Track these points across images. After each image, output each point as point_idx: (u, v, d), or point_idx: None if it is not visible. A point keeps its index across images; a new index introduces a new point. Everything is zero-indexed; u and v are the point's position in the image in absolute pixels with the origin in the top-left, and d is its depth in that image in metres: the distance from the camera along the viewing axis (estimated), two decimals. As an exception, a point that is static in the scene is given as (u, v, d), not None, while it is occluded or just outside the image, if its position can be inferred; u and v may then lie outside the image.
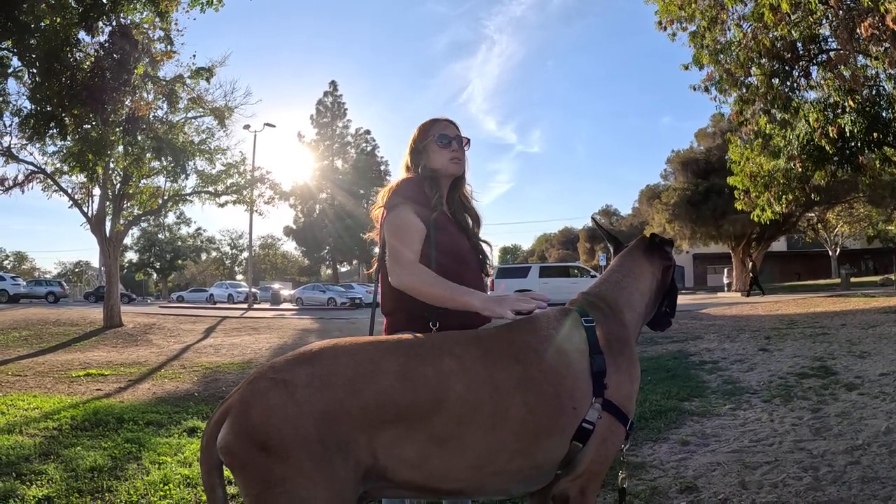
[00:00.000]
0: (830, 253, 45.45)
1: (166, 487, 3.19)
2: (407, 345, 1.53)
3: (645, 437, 4.09)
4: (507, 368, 1.52)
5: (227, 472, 1.41)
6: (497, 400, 1.47)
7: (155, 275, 62.80)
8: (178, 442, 4.19)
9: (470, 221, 2.08)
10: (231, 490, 2.62)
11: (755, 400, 5.08)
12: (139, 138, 11.17)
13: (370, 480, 1.40)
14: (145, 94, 11.29)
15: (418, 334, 1.64)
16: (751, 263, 26.44)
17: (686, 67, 17.36)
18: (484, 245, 2.08)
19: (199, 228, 60.10)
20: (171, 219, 42.26)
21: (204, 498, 3.01)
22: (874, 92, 14.91)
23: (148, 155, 13.45)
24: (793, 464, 3.35)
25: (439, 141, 1.99)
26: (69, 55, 8.45)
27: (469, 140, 2.08)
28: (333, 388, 1.37)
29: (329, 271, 53.62)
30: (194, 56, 18.76)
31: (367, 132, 50.16)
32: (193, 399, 6.00)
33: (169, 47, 10.49)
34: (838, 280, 29.22)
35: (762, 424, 4.28)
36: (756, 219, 18.41)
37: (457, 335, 1.62)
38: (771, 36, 14.85)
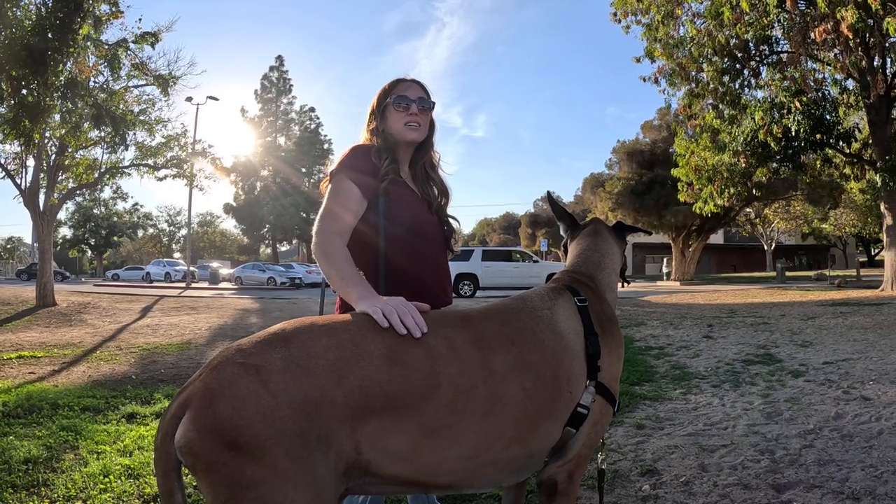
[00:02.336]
0: (766, 247, 47.51)
1: (106, 479, 2.97)
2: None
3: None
4: (503, 351, 1.40)
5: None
6: (493, 384, 1.34)
7: (90, 252, 60.29)
8: (116, 429, 3.94)
9: (436, 192, 1.94)
10: (188, 481, 2.44)
11: (704, 385, 5.18)
12: (78, 105, 10.51)
13: (352, 476, 1.23)
14: (87, 58, 10.64)
15: None
16: (623, 259, 27.46)
17: (638, 60, 17.71)
18: (452, 221, 1.96)
19: (137, 204, 58.36)
20: (107, 193, 40.64)
21: (148, 491, 2.82)
22: (820, 95, 15.53)
23: (86, 124, 12.70)
24: (749, 447, 3.41)
25: (397, 103, 1.85)
26: (9, 12, 7.84)
27: (434, 103, 1.93)
28: (314, 375, 1.18)
29: (269, 250, 52.78)
30: (140, 20, 17.87)
31: (312, 109, 50.02)
32: (131, 382, 5.71)
33: (114, 8, 9.88)
34: (774, 273, 30.58)
35: (714, 409, 4.35)
36: (698, 211, 19.01)
37: (441, 314, 1.48)
38: (725, 34, 15.24)
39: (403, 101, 1.85)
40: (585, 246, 1.87)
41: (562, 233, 2.04)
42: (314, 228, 1.67)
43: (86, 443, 3.60)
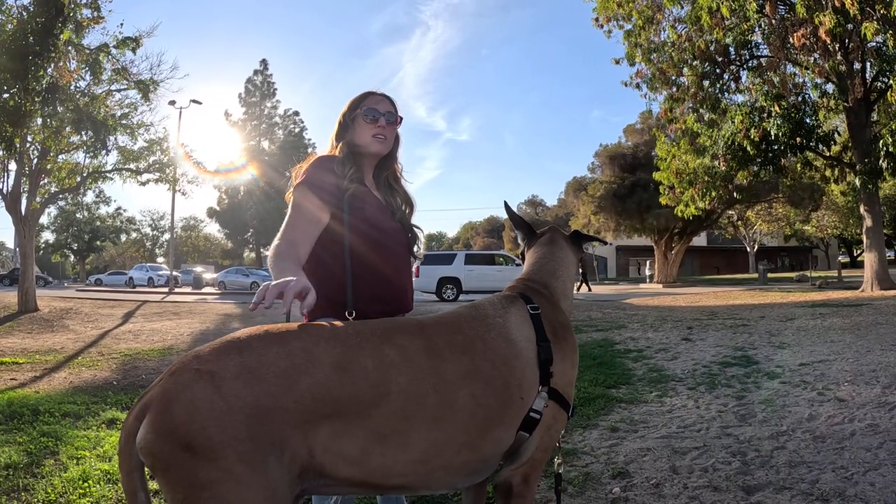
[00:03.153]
0: (749, 249, 48.05)
1: (86, 484, 2.99)
2: (344, 333, 1.41)
3: (575, 423, 4.14)
4: (454, 359, 1.45)
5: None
6: (443, 392, 1.39)
7: (72, 256, 59.64)
8: (96, 435, 3.95)
9: (399, 202, 2.00)
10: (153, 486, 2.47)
11: (680, 387, 5.25)
12: (59, 109, 10.43)
13: (307, 478, 1.29)
14: (69, 63, 10.56)
15: (357, 322, 1.55)
16: (581, 260, 27.72)
17: (617, 62, 17.88)
18: (417, 230, 2.02)
19: (119, 208, 57.69)
20: (89, 197, 40.03)
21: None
22: (800, 99, 15.75)
23: (68, 128, 12.60)
24: (721, 449, 3.47)
25: (366, 115, 1.91)
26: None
27: (402, 119, 1.99)
28: (265, 381, 1.23)
29: (252, 255, 52.48)
30: (121, 25, 17.72)
31: (296, 113, 49.64)
32: (112, 388, 5.69)
33: (96, 13, 9.81)
34: (756, 275, 30.93)
35: (689, 411, 4.42)
36: (680, 214, 19.21)
37: (398, 323, 1.54)
38: (705, 39, 15.42)
39: (372, 113, 1.91)
40: (541, 254, 1.92)
41: (519, 241, 2.10)
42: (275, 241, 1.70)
43: (66, 448, 3.60)
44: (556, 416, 1.55)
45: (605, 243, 2.14)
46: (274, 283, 1.42)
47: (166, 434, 1.18)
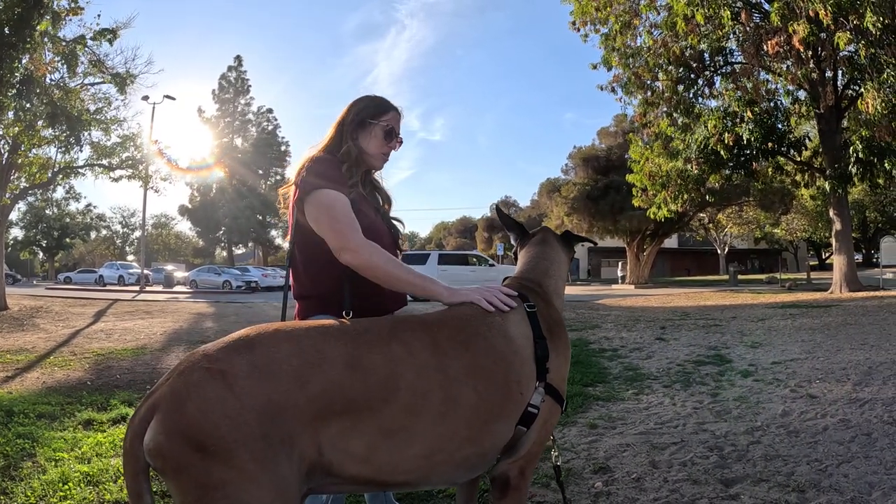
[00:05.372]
0: (719, 251, 48.87)
1: (66, 487, 2.94)
2: (353, 331, 1.43)
3: (554, 421, 4.21)
4: (457, 355, 1.48)
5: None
6: (448, 388, 1.42)
7: (41, 254, 58.16)
8: (73, 436, 3.89)
9: (380, 200, 2.05)
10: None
11: (656, 385, 5.34)
12: (33, 102, 10.19)
13: (314, 477, 1.30)
14: (44, 54, 10.31)
15: (363, 319, 1.57)
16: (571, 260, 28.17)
17: (594, 67, 18.10)
18: (397, 223, 2.06)
19: (90, 205, 56.60)
20: (59, 193, 39.24)
21: (108, 497, 2.81)
22: (772, 105, 16.09)
23: (41, 122, 12.32)
24: (698, 444, 3.56)
25: (386, 134, 1.92)
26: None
27: (402, 141, 2.02)
28: (277, 379, 1.24)
29: (224, 253, 51.91)
30: (98, 16, 17.34)
31: (270, 111, 49.63)
32: (86, 388, 5.59)
33: (74, 3, 9.59)
34: (727, 277, 31.47)
35: (665, 408, 4.51)
36: (652, 216, 19.49)
37: (402, 320, 1.56)
38: (681, 45, 15.67)
39: (393, 134, 1.94)
40: (534, 254, 1.97)
41: (512, 241, 2.15)
42: (346, 236, 1.67)
43: (43, 450, 3.54)
44: (551, 411, 1.59)
45: (595, 244, 2.19)
46: (488, 289, 1.67)
47: (177, 434, 1.17)
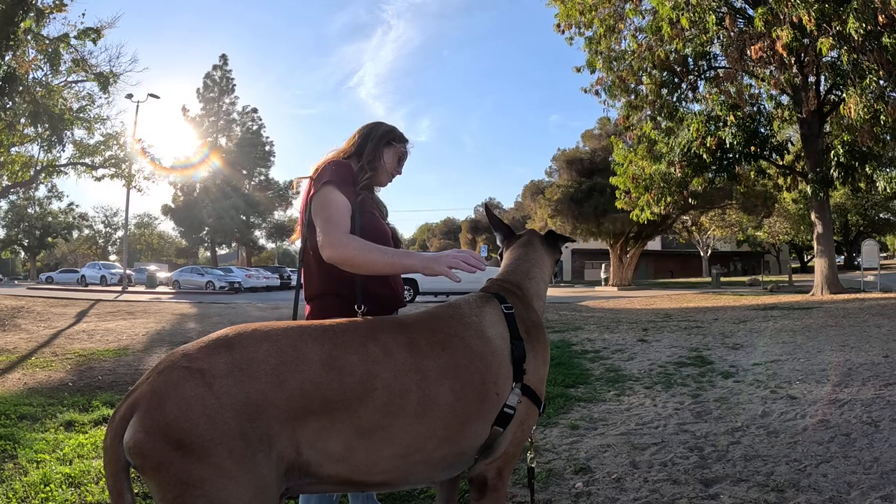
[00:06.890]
0: (702, 253, 49.32)
1: (48, 489, 2.92)
2: (330, 331, 1.45)
3: (536, 422, 4.23)
4: (434, 355, 1.50)
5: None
6: (424, 388, 1.44)
7: (23, 253, 57.37)
8: (55, 437, 3.86)
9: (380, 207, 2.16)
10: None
11: (638, 386, 5.39)
12: (16, 100, 10.06)
13: (292, 476, 1.31)
14: (27, 52, 10.18)
15: (340, 320, 1.58)
16: (557, 262, 28.45)
17: (578, 70, 18.17)
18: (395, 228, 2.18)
19: (72, 204, 55.58)
20: (41, 192, 38.82)
21: (90, 499, 2.80)
22: (755, 109, 16.27)
23: (23, 120, 12.18)
24: (679, 444, 3.61)
25: (400, 159, 2.13)
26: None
27: (401, 173, 2.22)
28: (255, 378, 1.25)
29: (208, 254, 51.50)
30: (83, 14, 17.12)
31: (255, 110, 49.16)
32: (68, 389, 5.55)
33: (58, 1, 9.47)
34: (709, 279, 31.78)
35: (646, 409, 4.56)
36: (635, 218, 19.60)
37: (379, 321, 1.58)
38: (665, 49, 15.81)
39: (403, 160, 2.16)
40: (517, 256, 1.98)
41: (498, 242, 2.17)
42: (327, 231, 1.73)
43: (24, 452, 3.51)
44: (528, 412, 1.61)
45: (574, 240, 2.24)
46: (458, 252, 1.76)
47: (157, 432, 1.18)
